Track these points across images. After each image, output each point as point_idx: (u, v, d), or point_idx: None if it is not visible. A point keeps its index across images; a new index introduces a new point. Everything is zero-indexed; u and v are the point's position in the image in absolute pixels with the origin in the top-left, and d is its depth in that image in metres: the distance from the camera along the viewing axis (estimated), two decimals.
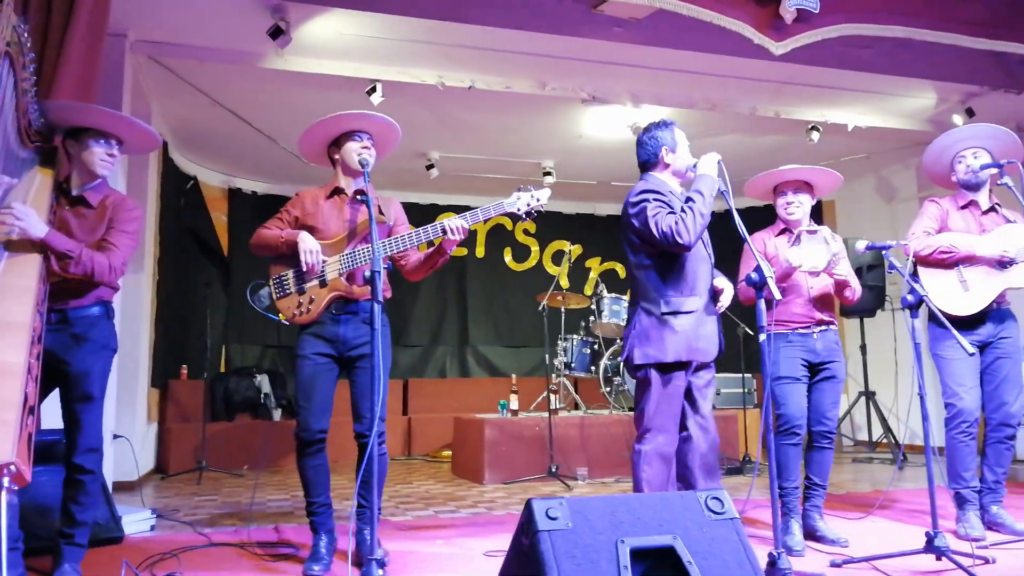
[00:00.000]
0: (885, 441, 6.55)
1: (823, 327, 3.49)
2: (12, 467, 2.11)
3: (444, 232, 2.94)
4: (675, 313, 2.89)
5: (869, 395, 6.75)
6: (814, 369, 3.48)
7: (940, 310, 3.36)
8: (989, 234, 3.55)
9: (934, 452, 2.94)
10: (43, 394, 2.71)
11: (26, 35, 2.52)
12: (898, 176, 7.49)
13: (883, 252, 3.25)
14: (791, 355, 3.44)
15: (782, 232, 3.60)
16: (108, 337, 2.81)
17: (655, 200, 2.90)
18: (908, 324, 3.09)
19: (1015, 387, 3.55)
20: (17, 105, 2.59)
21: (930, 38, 4.65)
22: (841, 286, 3.44)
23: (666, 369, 2.88)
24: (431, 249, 3.12)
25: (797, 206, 3.54)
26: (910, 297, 3.09)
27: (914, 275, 3.55)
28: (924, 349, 3.29)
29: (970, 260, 3.50)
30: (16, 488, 2.17)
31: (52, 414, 2.88)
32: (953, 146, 3.68)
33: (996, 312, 3.57)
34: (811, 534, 3.38)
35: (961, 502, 3.49)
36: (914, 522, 3.78)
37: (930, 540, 2.80)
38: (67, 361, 2.68)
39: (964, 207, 3.65)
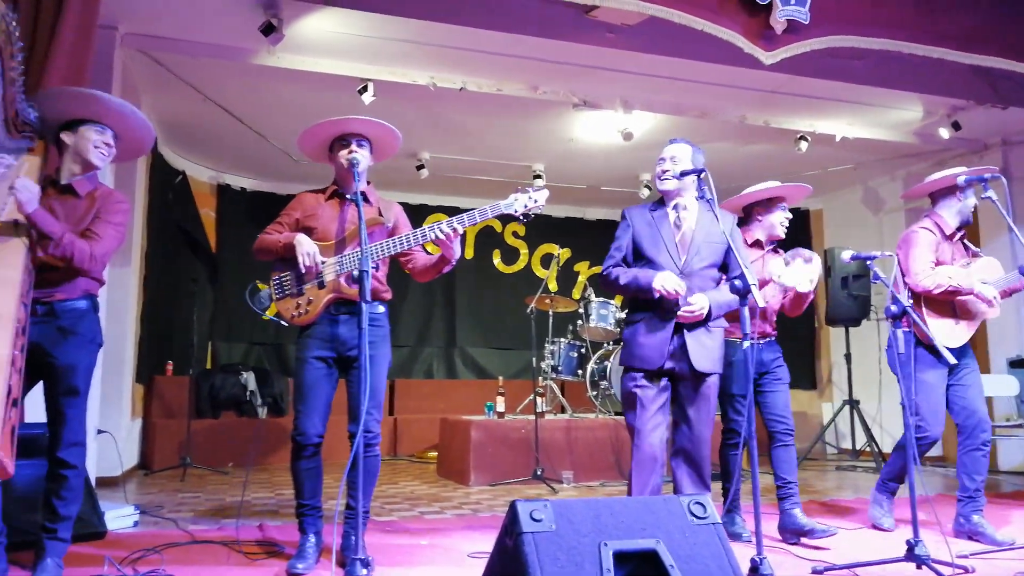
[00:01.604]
0: (868, 449, 6.60)
1: (766, 338, 3.65)
2: None
3: (437, 238, 2.94)
4: (628, 323, 3.25)
5: (853, 403, 6.79)
6: (756, 377, 3.62)
7: (932, 336, 3.47)
8: (972, 267, 3.67)
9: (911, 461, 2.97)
10: (27, 387, 2.70)
11: (15, 24, 2.50)
12: (885, 187, 7.56)
13: (868, 262, 3.28)
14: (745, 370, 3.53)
15: (754, 245, 3.67)
16: (94, 331, 2.79)
17: (615, 238, 3.30)
18: (891, 334, 3.13)
19: (981, 394, 3.69)
20: (4, 95, 2.58)
21: (917, 51, 4.70)
22: (804, 299, 3.53)
23: (624, 372, 3.20)
24: (436, 257, 3.12)
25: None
26: (893, 307, 3.12)
27: (915, 307, 3.59)
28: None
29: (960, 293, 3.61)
30: None
31: (34, 407, 2.86)
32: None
33: None
34: (799, 531, 3.44)
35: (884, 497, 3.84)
36: (895, 530, 3.82)
37: (911, 548, 2.83)
38: (53, 354, 2.66)
39: (948, 237, 3.73)
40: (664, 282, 3.01)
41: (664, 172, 3.19)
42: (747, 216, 3.74)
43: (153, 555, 3.06)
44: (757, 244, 3.69)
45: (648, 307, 3.13)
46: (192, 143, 6.85)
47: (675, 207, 3.20)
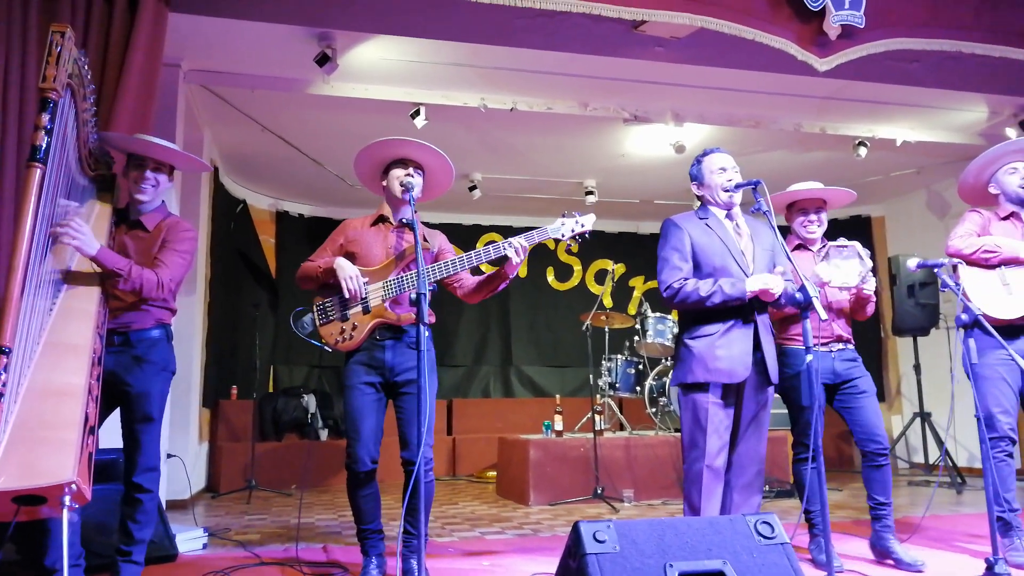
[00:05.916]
0: (943, 463, 6.35)
1: (841, 345, 3.44)
2: (73, 486, 2.17)
3: (503, 260, 2.98)
4: (694, 337, 3.03)
5: (924, 416, 6.55)
6: (833, 389, 3.44)
7: (991, 324, 3.26)
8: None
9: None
10: (104, 414, 2.79)
11: (87, 67, 2.63)
12: (950, 191, 7.30)
13: (935, 270, 3.17)
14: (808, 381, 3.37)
15: (797, 248, 3.57)
16: (167, 359, 2.88)
17: (667, 248, 3.11)
18: (963, 344, 3.02)
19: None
20: (78, 135, 2.70)
21: (980, 51, 4.56)
22: (865, 301, 3.37)
23: (688, 389, 3.03)
24: (491, 272, 3.11)
25: (818, 225, 3.53)
26: (964, 316, 3.01)
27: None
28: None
29: (1014, 262, 3.41)
30: (77, 506, 2.23)
31: (107, 433, 2.96)
32: (1000, 159, 3.65)
33: None
34: (886, 555, 3.32)
35: (1006, 528, 3.30)
36: (974, 548, 3.65)
37: (990, 566, 2.71)
38: (128, 383, 2.76)
39: (1006, 218, 3.58)
40: (768, 283, 2.89)
41: (730, 181, 3.10)
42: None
43: None
44: (799, 247, 3.57)
45: (723, 317, 2.98)
46: (251, 172, 7.06)
47: (729, 215, 3.14)
